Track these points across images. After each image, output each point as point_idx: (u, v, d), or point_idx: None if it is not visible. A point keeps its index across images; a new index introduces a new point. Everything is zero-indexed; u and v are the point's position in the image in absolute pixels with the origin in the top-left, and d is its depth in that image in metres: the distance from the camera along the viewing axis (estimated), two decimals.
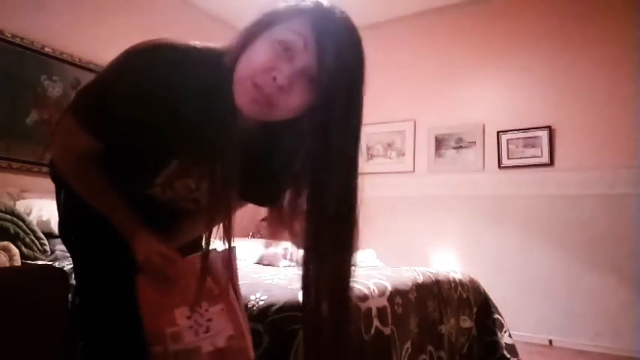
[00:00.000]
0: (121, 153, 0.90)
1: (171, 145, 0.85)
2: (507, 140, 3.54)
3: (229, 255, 0.89)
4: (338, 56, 0.73)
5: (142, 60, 0.78)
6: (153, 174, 0.92)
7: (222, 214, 0.82)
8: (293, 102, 0.75)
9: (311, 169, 0.79)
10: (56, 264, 2.04)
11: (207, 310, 0.88)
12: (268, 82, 0.73)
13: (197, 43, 0.83)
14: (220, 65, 0.78)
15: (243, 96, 0.74)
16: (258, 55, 0.74)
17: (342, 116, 0.75)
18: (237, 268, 0.97)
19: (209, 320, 0.87)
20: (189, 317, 0.87)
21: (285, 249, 2.61)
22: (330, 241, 0.80)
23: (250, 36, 0.77)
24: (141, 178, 0.94)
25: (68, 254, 2.20)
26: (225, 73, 0.76)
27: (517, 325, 2.84)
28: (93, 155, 0.90)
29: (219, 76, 0.77)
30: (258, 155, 0.87)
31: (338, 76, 0.73)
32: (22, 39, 2.79)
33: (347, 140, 0.78)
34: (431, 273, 1.95)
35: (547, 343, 3.18)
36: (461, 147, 3.76)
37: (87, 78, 3.05)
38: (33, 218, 2.34)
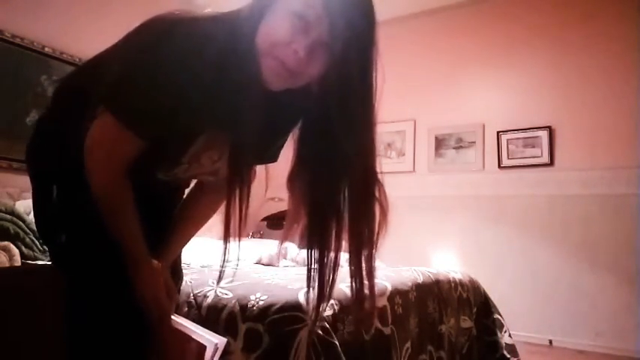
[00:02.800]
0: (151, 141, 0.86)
1: (202, 119, 0.84)
2: (507, 140, 3.54)
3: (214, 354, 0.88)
4: (347, 22, 0.76)
5: (175, 39, 0.78)
6: (182, 152, 0.90)
7: (242, 180, 0.83)
8: (313, 70, 0.79)
9: (326, 131, 0.82)
10: None
11: None
12: (289, 55, 0.76)
13: (206, 12, 0.84)
14: (239, 33, 0.79)
15: (267, 69, 0.78)
16: (276, 29, 0.77)
17: (356, 77, 0.79)
18: None
19: None
20: None
21: (285, 249, 2.60)
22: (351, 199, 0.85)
23: (266, 4, 0.80)
24: (169, 159, 0.91)
25: None
26: (244, 40, 0.78)
27: (517, 325, 2.84)
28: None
29: (239, 44, 0.79)
30: (271, 116, 0.88)
31: (349, 41, 0.76)
32: (22, 39, 2.79)
33: (362, 99, 0.82)
34: (431, 273, 1.95)
35: (547, 343, 3.18)
36: (461, 147, 3.76)
37: None
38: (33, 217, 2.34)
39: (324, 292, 0.90)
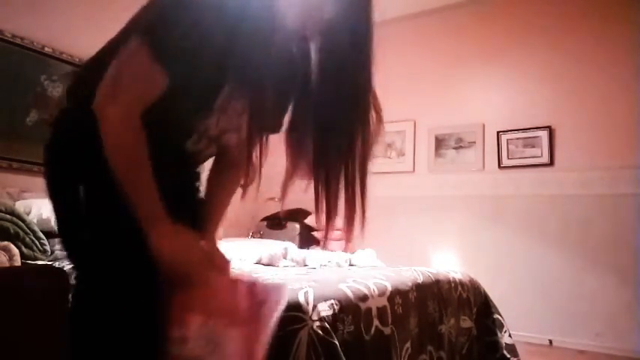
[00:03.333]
0: (176, 91, 0.83)
1: (226, 64, 0.84)
2: (507, 140, 3.54)
3: (280, 293, 0.87)
4: None
5: None
6: (212, 99, 0.89)
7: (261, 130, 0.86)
8: (326, 13, 0.85)
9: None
10: (56, 264, 2.04)
11: (222, 330, 0.83)
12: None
13: None
14: None
15: (285, 7, 0.83)
16: None
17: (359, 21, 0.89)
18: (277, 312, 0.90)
19: (221, 340, 0.83)
20: (202, 326, 0.83)
21: (285, 249, 2.61)
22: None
23: None
24: (202, 107, 0.90)
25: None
26: None
27: (517, 325, 2.84)
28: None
29: None
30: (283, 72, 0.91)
31: None
32: (22, 39, 2.79)
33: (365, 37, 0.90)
34: (431, 273, 1.95)
35: (547, 343, 3.18)
36: (461, 147, 3.76)
37: None
38: (33, 217, 2.35)
39: (332, 214, 0.94)
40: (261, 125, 0.87)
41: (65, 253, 0.95)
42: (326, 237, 0.98)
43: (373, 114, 0.93)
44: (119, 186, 0.80)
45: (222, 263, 0.97)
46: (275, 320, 0.85)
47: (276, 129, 0.99)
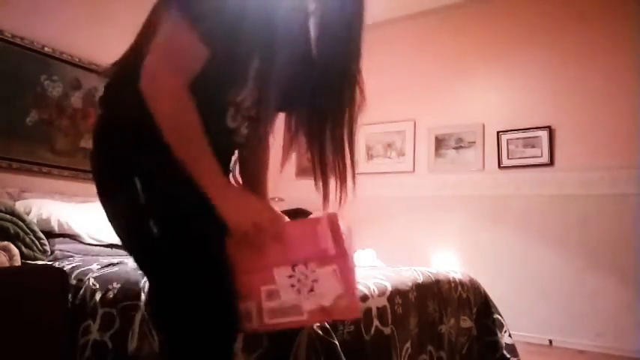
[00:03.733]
0: (214, 63, 0.85)
1: (257, 37, 0.87)
2: (507, 140, 3.54)
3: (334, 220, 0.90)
4: None
5: None
6: (245, 74, 0.91)
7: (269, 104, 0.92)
8: None
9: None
10: (56, 264, 2.05)
11: (314, 271, 0.87)
12: None
13: None
14: None
15: None
16: None
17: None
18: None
19: (315, 281, 0.87)
20: (290, 276, 0.87)
21: None
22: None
23: None
24: (234, 83, 0.92)
25: (72, 254, 2.16)
26: None
27: (517, 325, 2.84)
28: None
29: None
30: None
31: None
32: (22, 39, 2.79)
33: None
34: (431, 273, 1.95)
35: (547, 343, 3.18)
36: (461, 147, 3.75)
37: (87, 78, 3.07)
38: (33, 216, 2.34)
39: (327, 174, 1.02)
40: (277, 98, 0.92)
41: (131, 251, 0.95)
42: (325, 199, 1.03)
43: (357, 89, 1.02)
44: (178, 160, 0.82)
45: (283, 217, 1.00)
46: (353, 247, 0.92)
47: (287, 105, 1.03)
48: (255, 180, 1.11)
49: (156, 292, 0.94)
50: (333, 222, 0.88)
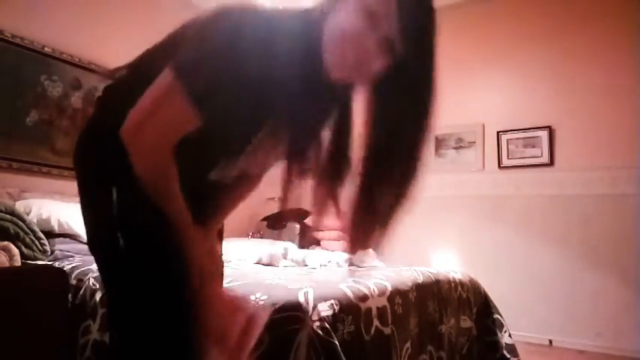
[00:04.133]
0: (209, 131, 0.84)
1: (265, 108, 0.85)
2: (507, 140, 3.54)
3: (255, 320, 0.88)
4: (416, 20, 0.83)
5: (248, 29, 0.79)
6: (246, 142, 0.91)
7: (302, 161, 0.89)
8: (376, 67, 0.81)
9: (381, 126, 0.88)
10: (56, 264, 2.05)
11: (211, 346, 0.87)
12: (355, 50, 0.79)
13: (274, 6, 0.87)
14: (307, 26, 0.83)
15: (332, 61, 0.81)
16: (345, 22, 0.79)
17: (422, 75, 0.90)
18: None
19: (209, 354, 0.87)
20: None
21: (285, 249, 2.61)
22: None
23: None
24: (234, 149, 0.92)
25: (72, 254, 2.16)
26: (312, 33, 0.81)
27: (517, 325, 2.84)
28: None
29: (307, 37, 0.82)
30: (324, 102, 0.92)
31: (417, 39, 0.85)
32: (22, 39, 2.79)
33: (423, 94, 0.91)
34: (431, 273, 1.95)
35: (547, 343, 3.18)
36: (461, 147, 3.75)
37: (87, 78, 3.06)
38: (33, 216, 2.34)
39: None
40: (304, 152, 0.90)
41: (95, 254, 0.94)
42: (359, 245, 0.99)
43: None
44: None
45: (218, 261, 1.00)
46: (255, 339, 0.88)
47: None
48: (221, 205, 1.09)
49: (112, 302, 0.94)
50: (253, 323, 0.86)
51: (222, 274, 1.04)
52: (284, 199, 0.88)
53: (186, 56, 0.80)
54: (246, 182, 1.10)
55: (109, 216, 0.87)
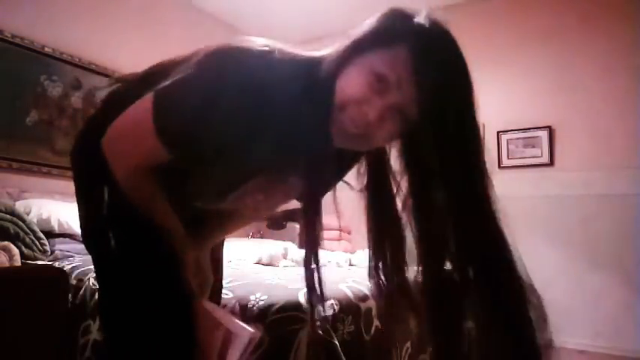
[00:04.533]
0: (196, 172, 0.85)
1: (260, 160, 0.81)
2: (507, 140, 3.54)
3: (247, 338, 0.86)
4: (437, 91, 0.71)
5: (244, 72, 0.73)
6: (231, 189, 0.90)
7: (317, 214, 0.83)
8: (381, 135, 0.74)
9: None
10: (56, 264, 2.05)
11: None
12: (358, 116, 0.71)
13: (282, 48, 0.77)
14: (312, 78, 0.75)
15: (334, 125, 0.74)
16: (351, 85, 0.72)
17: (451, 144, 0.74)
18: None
19: None
20: None
21: (285, 249, 2.61)
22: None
23: (349, 55, 0.74)
24: (217, 194, 0.92)
25: (72, 254, 2.16)
26: (320, 92, 0.74)
27: None
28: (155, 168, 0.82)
29: (315, 95, 0.74)
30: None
31: (445, 108, 0.72)
32: (22, 39, 2.79)
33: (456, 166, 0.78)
34: None
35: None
36: None
37: (87, 78, 3.06)
38: (33, 216, 2.34)
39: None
40: (317, 205, 0.83)
41: (88, 250, 0.96)
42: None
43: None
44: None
45: (207, 277, 0.99)
46: None
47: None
48: (212, 232, 1.08)
49: (103, 300, 0.95)
50: (229, 343, 0.85)
51: (212, 285, 1.03)
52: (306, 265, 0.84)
53: (168, 97, 0.77)
54: (241, 215, 1.07)
55: (100, 214, 0.89)
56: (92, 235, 0.93)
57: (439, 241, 0.85)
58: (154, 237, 0.85)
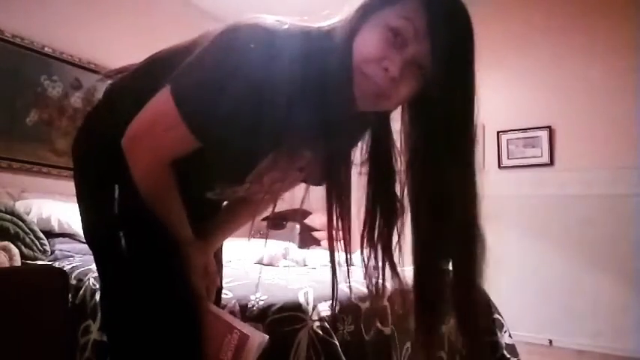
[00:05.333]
0: (213, 155, 0.82)
1: (278, 135, 0.79)
2: (507, 140, 3.54)
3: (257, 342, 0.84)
4: (450, 41, 0.72)
5: (258, 44, 0.72)
6: (249, 169, 0.88)
7: (342, 189, 0.82)
8: (403, 92, 0.74)
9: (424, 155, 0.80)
10: (56, 264, 2.05)
11: None
12: (379, 73, 0.71)
13: (295, 22, 0.78)
14: (332, 48, 0.75)
15: (355, 87, 0.73)
16: (369, 43, 0.72)
17: (456, 99, 0.75)
18: None
19: None
20: None
21: (286, 249, 2.61)
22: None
23: (361, 17, 0.74)
24: (235, 176, 0.90)
25: (72, 254, 2.16)
26: (338, 56, 0.74)
27: (517, 325, 2.83)
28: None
29: (332, 60, 0.74)
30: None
31: (450, 60, 0.72)
32: (22, 39, 2.79)
33: (462, 123, 0.76)
34: None
35: (547, 343, 3.18)
36: None
37: (87, 78, 3.06)
38: (33, 216, 2.34)
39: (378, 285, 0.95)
40: (340, 179, 0.83)
41: (92, 250, 0.92)
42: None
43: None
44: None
45: (213, 279, 0.98)
46: None
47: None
48: (224, 226, 1.07)
49: (105, 300, 0.93)
50: (243, 345, 0.83)
51: (218, 290, 1.03)
52: (329, 237, 0.83)
53: (186, 82, 0.75)
54: (252, 206, 1.06)
55: (110, 214, 0.85)
56: (100, 235, 0.89)
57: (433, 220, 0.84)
58: (164, 238, 0.82)
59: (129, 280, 0.84)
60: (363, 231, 0.90)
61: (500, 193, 3.53)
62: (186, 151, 0.78)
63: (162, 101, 0.75)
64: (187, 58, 0.77)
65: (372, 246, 0.90)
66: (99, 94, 3.14)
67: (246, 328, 0.85)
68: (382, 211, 0.89)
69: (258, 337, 0.84)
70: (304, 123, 0.76)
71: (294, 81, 0.73)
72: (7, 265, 1.85)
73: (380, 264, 0.92)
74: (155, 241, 0.83)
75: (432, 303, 0.91)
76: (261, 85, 0.72)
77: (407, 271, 1.66)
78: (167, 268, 0.83)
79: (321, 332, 1.17)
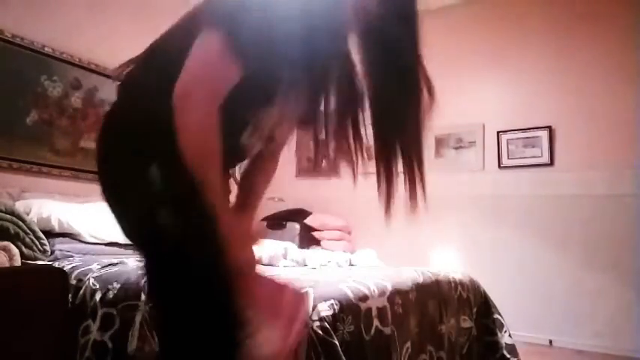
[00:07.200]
0: (245, 83, 0.84)
1: (290, 59, 0.87)
2: (507, 140, 3.54)
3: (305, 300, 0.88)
4: None
5: None
6: (272, 95, 0.93)
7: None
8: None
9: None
10: (56, 264, 2.05)
11: (261, 322, 0.86)
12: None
13: None
14: None
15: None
16: None
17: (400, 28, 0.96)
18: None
19: (259, 329, 0.85)
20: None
21: (285, 249, 2.61)
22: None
23: None
24: (260, 104, 0.94)
25: (72, 254, 2.16)
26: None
27: (517, 325, 2.84)
28: None
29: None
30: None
31: None
32: (22, 39, 2.79)
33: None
34: (431, 273, 1.95)
35: (547, 343, 3.18)
36: (461, 147, 3.75)
37: (87, 78, 3.07)
38: (33, 216, 2.35)
39: (392, 188, 1.09)
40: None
41: (137, 241, 0.89)
42: (387, 209, 1.10)
43: (424, 90, 1.05)
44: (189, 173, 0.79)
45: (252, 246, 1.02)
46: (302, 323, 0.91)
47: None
48: (252, 190, 1.12)
49: (155, 289, 0.91)
50: (296, 301, 0.89)
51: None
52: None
53: (225, 11, 0.81)
54: (269, 159, 1.12)
55: (151, 195, 0.82)
56: (143, 218, 0.84)
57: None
58: (206, 213, 0.80)
59: (181, 266, 0.80)
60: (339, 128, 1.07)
61: (500, 193, 3.53)
62: (231, 84, 0.82)
63: (205, 42, 0.80)
64: (186, 32, 0.85)
65: (345, 136, 1.09)
66: (99, 94, 3.16)
67: (294, 286, 0.93)
68: (353, 119, 1.08)
69: (311, 293, 0.91)
70: (315, 54, 0.88)
71: (306, 18, 0.85)
72: (7, 265, 1.85)
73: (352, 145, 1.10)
74: (201, 215, 0.80)
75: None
76: (276, 11, 0.82)
77: (404, 271, 1.66)
78: (210, 246, 0.80)
79: (321, 332, 1.17)
